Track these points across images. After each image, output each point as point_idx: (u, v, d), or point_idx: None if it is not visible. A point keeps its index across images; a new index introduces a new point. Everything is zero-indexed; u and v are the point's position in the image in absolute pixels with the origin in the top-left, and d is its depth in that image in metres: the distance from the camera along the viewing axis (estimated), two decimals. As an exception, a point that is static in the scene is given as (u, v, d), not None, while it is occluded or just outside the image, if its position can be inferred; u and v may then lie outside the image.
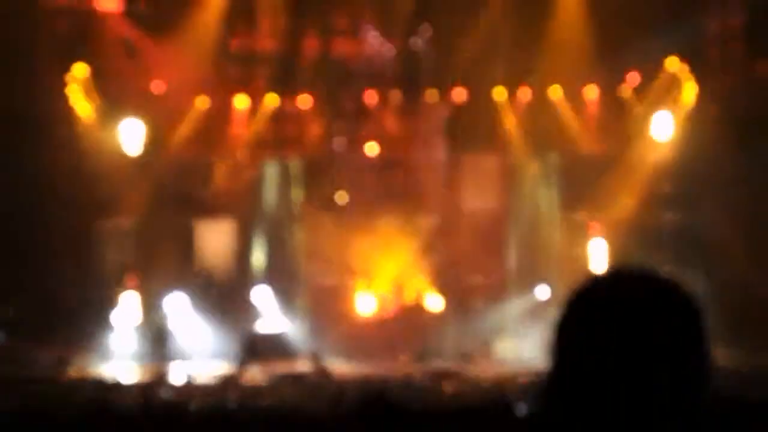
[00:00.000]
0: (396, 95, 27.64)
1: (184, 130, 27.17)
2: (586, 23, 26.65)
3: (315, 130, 27.83)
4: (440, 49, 27.52)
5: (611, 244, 26.70)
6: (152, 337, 25.51)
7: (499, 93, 27.46)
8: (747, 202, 25.63)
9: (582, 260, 27.02)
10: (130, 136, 26.69)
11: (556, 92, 27.25)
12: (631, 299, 1.86)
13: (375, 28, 27.59)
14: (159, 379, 22.49)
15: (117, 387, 20.83)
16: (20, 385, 19.74)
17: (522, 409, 11.67)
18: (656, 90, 26.94)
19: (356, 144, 27.93)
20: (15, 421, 10.22)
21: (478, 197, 27.77)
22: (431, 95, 27.62)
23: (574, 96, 27.30)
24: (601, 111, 27.46)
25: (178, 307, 25.85)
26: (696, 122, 26.34)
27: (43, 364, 23.24)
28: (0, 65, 24.58)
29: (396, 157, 28.13)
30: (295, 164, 27.94)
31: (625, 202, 26.56)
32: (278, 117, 27.78)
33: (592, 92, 27.36)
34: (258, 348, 24.22)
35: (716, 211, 25.74)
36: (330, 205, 27.40)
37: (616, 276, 1.98)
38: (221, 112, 27.62)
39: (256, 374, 22.95)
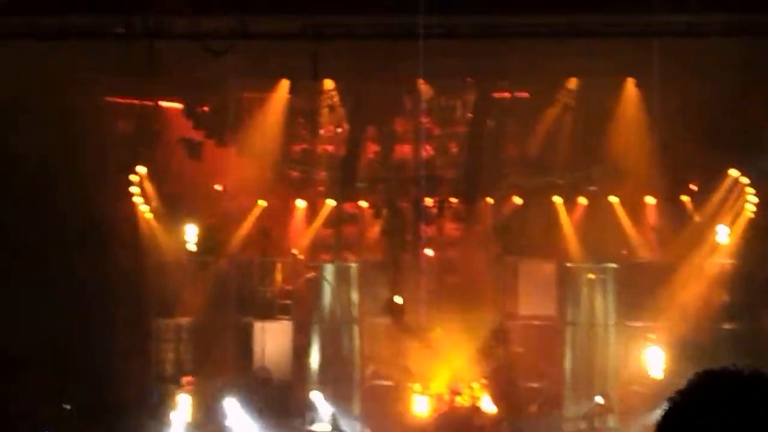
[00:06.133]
0: (454, 199, 27.73)
1: (245, 230, 27.47)
2: (647, 132, 26.61)
3: (373, 233, 27.99)
4: (499, 153, 27.68)
5: (668, 353, 26.52)
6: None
7: (557, 199, 27.48)
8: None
9: (639, 369, 26.89)
10: (191, 236, 27.01)
11: (614, 200, 27.18)
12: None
13: (434, 132, 27.75)
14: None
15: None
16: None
17: None
18: (716, 200, 26.82)
19: (414, 247, 28.05)
20: None
21: (534, 302, 27.77)
22: (489, 199, 27.70)
23: (633, 204, 27.22)
24: (660, 220, 27.36)
25: (235, 410, 25.99)
26: (756, 233, 26.20)
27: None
28: (68, 165, 24.92)
29: (453, 260, 28.21)
30: (354, 266, 28.12)
31: (683, 312, 26.38)
32: (337, 219, 28.01)
33: (651, 201, 27.27)
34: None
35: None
36: (387, 306, 27.49)
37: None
38: (281, 214, 27.87)
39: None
